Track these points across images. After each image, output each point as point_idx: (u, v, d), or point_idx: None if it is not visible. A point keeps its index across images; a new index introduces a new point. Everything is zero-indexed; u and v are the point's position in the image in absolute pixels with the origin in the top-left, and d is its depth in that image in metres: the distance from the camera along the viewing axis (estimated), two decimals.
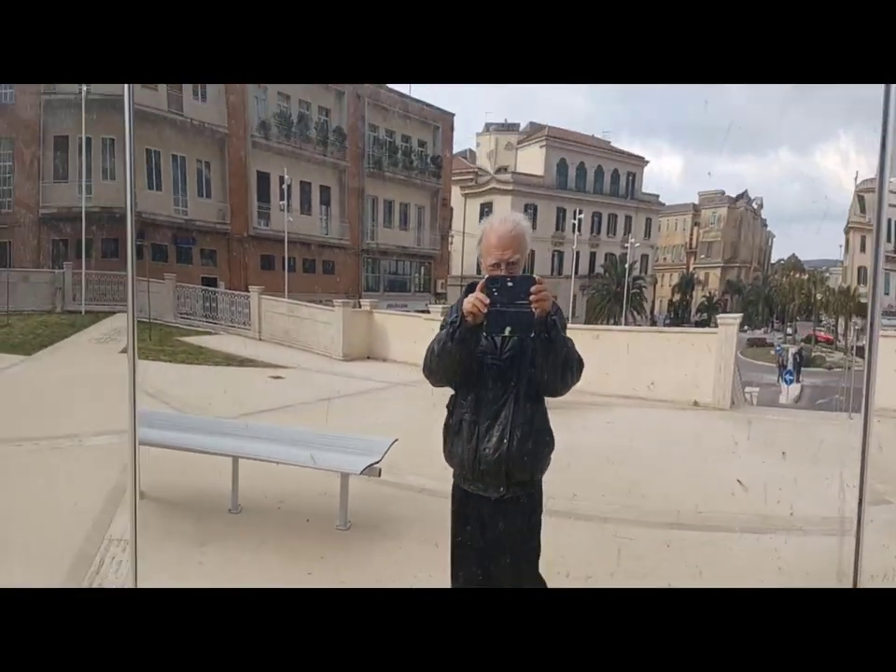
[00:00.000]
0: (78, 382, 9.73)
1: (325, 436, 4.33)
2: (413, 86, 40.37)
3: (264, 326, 16.70)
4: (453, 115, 37.55)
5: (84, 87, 20.69)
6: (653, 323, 50.07)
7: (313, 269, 29.57)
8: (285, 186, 25.55)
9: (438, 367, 2.01)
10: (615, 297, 44.23)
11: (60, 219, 23.17)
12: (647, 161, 56.05)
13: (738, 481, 5.08)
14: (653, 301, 56.72)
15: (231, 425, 5.24)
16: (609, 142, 54.42)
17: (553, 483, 5.48)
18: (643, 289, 48.74)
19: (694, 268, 68.77)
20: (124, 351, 11.53)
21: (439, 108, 36.52)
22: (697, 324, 50.99)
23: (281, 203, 25.60)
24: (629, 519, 4.47)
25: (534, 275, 1.91)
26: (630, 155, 54.68)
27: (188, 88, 25.70)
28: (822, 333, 49.12)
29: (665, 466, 5.99)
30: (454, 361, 1.96)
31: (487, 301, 1.83)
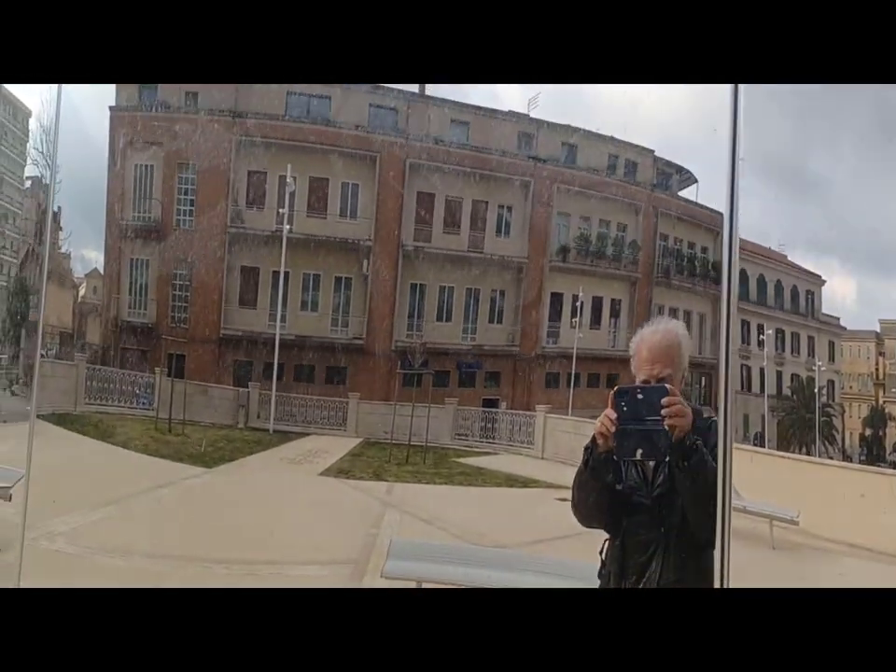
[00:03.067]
0: (272, 503, 8.85)
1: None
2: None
3: (548, 444, 16.47)
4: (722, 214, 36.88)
5: (287, 226, 22.02)
6: (847, 458, 44.06)
7: (597, 383, 29.66)
8: (578, 303, 26.37)
9: (579, 502, 1.69)
10: (805, 423, 39.88)
11: (243, 342, 26.02)
12: (824, 280, 51.45)
13: None
14: (843, 433, 50.18)
15: (500, 554, 4.90)
16: (786, 255, 51.08)
17: None
18: (832, 418, 43.54)
19: (884, 401, 59.80)
20: (323, 474, 11.32)
21: (717, 211, 35.67)
22: (894, 465, 43.85)
23: (573, 319, 26.26)
24: None
25: (666, 385, 1.58)
26: (808, 272, 50.60)
27: (491, 227, 26.12)
28: None
29: None
30: (590, 496, 1.65)
31: (615, 417, 1.55)
